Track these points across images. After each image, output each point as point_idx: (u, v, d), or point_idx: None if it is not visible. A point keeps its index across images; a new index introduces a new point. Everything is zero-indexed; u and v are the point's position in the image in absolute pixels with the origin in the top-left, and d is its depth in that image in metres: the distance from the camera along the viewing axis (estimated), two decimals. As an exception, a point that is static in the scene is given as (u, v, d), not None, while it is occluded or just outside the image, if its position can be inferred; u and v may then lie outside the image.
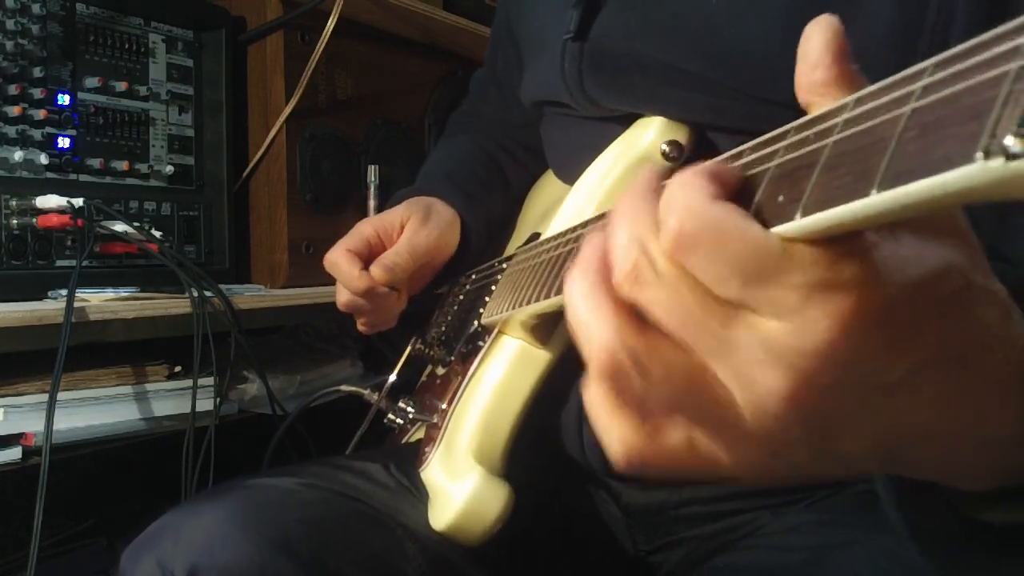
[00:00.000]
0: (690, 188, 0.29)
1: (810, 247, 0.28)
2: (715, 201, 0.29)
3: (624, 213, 0.32)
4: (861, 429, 0.31)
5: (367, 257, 0.84)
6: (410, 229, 0.84)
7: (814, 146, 0.29)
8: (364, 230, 0.85)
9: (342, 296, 0.86)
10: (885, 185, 0.24)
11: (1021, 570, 0.37)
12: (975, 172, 0.22)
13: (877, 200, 0.24)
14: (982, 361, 0.31)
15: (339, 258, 0.83)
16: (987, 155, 0.21)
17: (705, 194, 0.29)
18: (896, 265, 0.27)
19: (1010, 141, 0.21)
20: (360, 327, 0.90)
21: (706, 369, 0.30)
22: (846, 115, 0.28)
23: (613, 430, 0.33)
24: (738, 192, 0.31)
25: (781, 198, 0.29)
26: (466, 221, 0.89)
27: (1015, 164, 0.21)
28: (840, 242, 0.27)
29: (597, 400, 0.33)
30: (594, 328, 0.32)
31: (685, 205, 0.29)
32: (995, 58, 0.23)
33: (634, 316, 0.31)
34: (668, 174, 0.33)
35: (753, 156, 0.32)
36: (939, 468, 0.34)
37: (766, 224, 0.28)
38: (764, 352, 0.28)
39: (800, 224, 0.27)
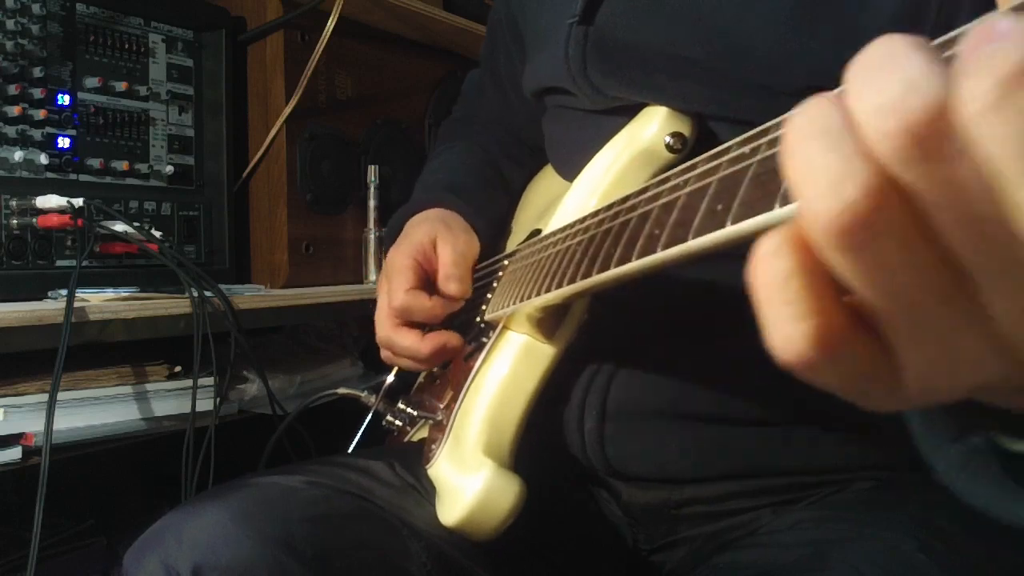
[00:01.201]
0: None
1: None
2: None
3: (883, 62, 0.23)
4: None
5: (423, 285, 0.80)
6: (446, 241, 0.81)
7: None
8: (404, 263, 0.80)
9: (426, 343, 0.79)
10: None
11: None
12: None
13: None
14: None
15: (409, 302, 0.78)
16: None
17: None
18: None
19: None
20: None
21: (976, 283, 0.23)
22: None
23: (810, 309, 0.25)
24: None
25: None
26: (476, 227, 0.88)
27: None
28: None
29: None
30: (835, 175, 0.23)
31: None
32: None
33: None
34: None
35: (780, 132, 0.33)
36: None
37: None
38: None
39: None
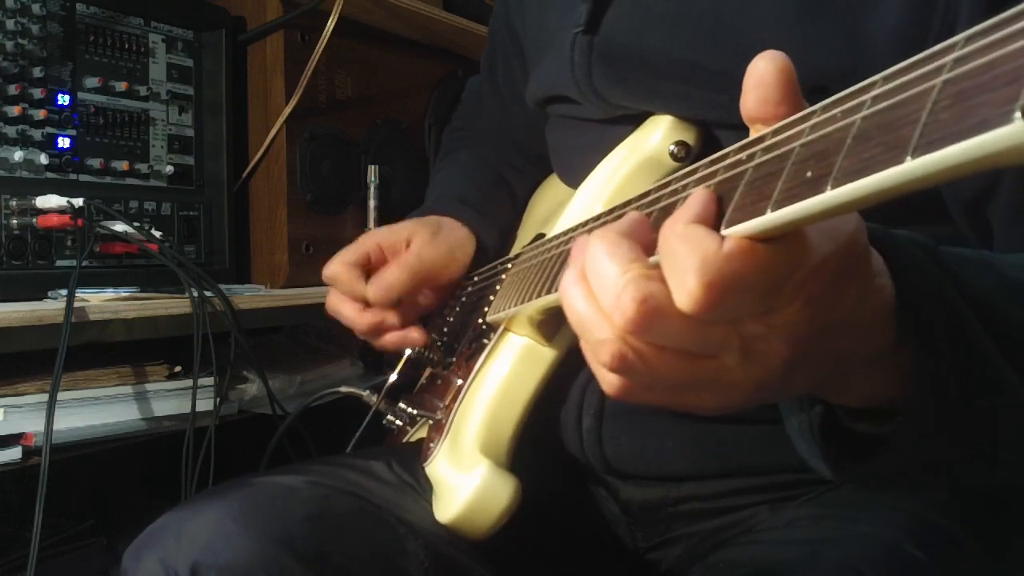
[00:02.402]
0: (697, 240, 0.33)
1: (791, 248, 0.33)
2: (727, 251, 0.33)
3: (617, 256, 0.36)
4: (810, 366, 0.38)
5: (367, 268, 0.83)
6: (416, 246, 0.84)
7: (842, 123, 0.30)
8: (367, 243, 0.84)
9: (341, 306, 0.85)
10: (919, 152, 0.25)
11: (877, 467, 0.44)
12: (1012, 132, 0.22)
13: (911, 167, 0.25)
14: (872, 290, 0.39)
15: (338, 273, 0.82)
16: None
17: (716, 242, 0.33)
18: (828, 232, 0.35)
19: None
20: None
21: (713, 358, 0.36)
22: (875, 92, 0.29)
23: (611, 383, 0.39)
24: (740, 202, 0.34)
25: (809, 174, 0.30)
26: (482, 239, 0.89)
27: None
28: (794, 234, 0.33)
29: (598, 367, 0.39)
30: (597, 330, 0.37)
31: (702, 260, 0.33)
32: None
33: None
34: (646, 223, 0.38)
35: (775, 139, 0.33)
36: (839, 386, 0.43)
37: (797, 198, 0.30)
38: (768, 329, 0.36)
39: (833, 195, 0.28)
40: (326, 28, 1.12)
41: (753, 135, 0.37)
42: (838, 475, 0.46)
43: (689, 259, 0.33)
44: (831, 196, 0.28)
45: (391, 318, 0.82)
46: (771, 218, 0.31)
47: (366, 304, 0.82)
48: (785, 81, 0.35)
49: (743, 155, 0.36)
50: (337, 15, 1.11)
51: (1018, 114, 0.22)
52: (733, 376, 0.37)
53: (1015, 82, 0.23)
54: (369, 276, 0.83)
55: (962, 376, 0.41)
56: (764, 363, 0.36)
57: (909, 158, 0.25)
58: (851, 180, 0.27)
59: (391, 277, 0.82)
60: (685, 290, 0.33)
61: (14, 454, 0.84)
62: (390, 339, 0.83)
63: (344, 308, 0.83)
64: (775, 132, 0.34)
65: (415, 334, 0.83)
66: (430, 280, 0.85)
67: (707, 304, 0.33)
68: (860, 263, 0.37)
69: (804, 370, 0.39)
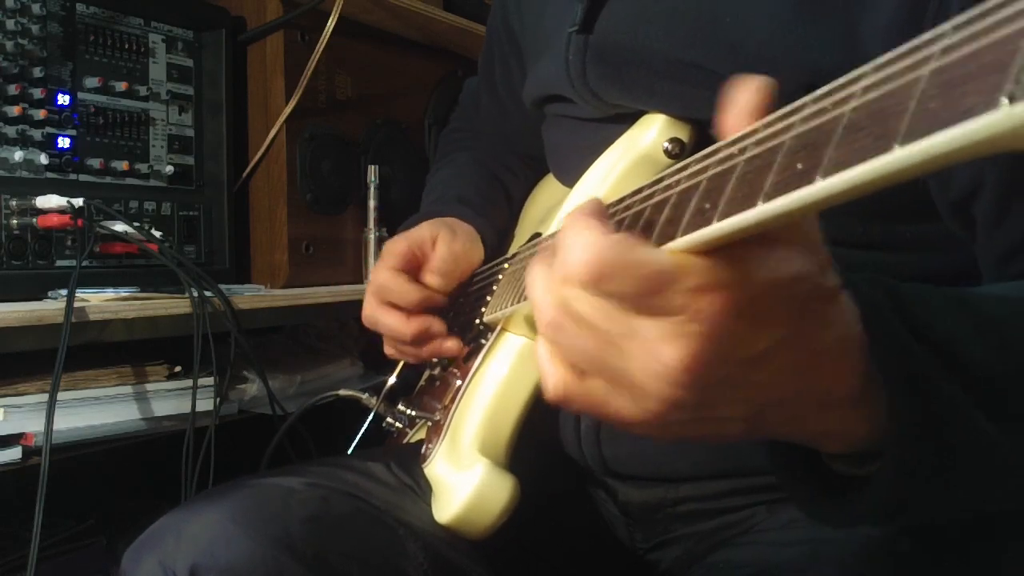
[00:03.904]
0: (585, 230, 0.36)
1: (696, 257, 0.34)
2: (606, 236, 0.35)
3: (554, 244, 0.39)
4: (733, 395, 0.39)
5: (409, 270, 0.82)
6: (445, 240, 0.83)
7: (833, 114, 0.30)
8: (399, 247, 0.82)
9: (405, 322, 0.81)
10: (907, 140, 0.25)
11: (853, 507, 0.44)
12: (998, 119, 0.22)
13: (899, 155, 0.25)
14: (822, 337, 0.38)
15: (389, 281, 0.80)
16: (1012, 100, 0.22)
17: (599, 232, 0.36)
18: (765, 267, 0.35)
19: None
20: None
21: (618, 349, 0.38)
22: (865, 82, 0.29)
23: (551, 370, 0.42)
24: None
25: (800, 166, 0.30)
26: (484, 238, 0.89)
27: None
28: (722, 249, 0.34)
29: (542, 348, 0.42)
30: (539, 302, 0.40)
31: (584, 243, 0.36)
32: (1014, 15, 0.24)
33: None
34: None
35: (767, 132, 0.34)
36: (793, 429, 0.43)
37: (788, 190, 0.30)
38: (660, 334, 0.36)
39: (822, 186, 0.28)
40: (326, 28, 1.12)
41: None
42: (818, 513, 0.47)
43: (577, 237, 0.36)
44: (821, 187, 0.28)
45: (437, 324, 0.80)
46: (761, 211, 0.31)
47: (408, 313, 0.81)
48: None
49: (735, 148, 0.36)
50: (337, 15, 1.11)
51: (1004, 100, 0.22)
52: (639, 380, 0.38)
53: (1001, 70, 0.23)
54: (411, 274, 0.82)
55: (927, 420, 0.41)
56: (658, 366, 0.37)
57: (897, 146, 0.25)
58: (840, 171, 0.28)
59: (441, 265, 0.81)
60: (572, 259, 0.36)
61: (14, 454, 0.84)
62: (432, 348, 0.81)
63: (387, 317, 0.80)
64: (767, 125, 0.34)
65: (452, 343, 0.80)
66: (463, 273, 0.85)
67: (587, 284, 0.36)
68: (797, 308, 0.37)
69: (730, 404, 0.39)
